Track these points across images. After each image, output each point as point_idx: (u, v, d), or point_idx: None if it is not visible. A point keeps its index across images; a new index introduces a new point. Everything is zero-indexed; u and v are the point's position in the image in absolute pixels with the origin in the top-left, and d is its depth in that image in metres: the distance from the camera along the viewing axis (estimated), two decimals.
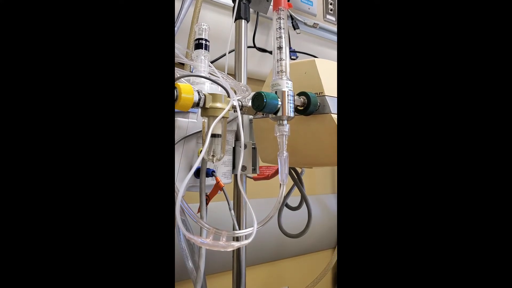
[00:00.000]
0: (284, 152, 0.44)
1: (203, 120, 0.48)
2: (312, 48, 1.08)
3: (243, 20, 0.68)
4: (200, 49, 0.56)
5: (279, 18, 0.47)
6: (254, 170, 0.64)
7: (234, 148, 0.62)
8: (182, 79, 0.50)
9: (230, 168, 0.61)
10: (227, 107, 0.43)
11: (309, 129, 0.51)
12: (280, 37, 0.46)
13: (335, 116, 0.48)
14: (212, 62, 0.60)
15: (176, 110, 0.47)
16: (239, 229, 0.62)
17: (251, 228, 0.39)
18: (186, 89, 0.43)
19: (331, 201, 1.22)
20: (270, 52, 0.96)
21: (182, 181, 0.52)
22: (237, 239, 0.57)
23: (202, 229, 0.54)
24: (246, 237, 0.38)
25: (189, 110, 0.50)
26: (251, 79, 0.84)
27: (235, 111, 0.44)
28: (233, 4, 0.68)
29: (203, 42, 0.56)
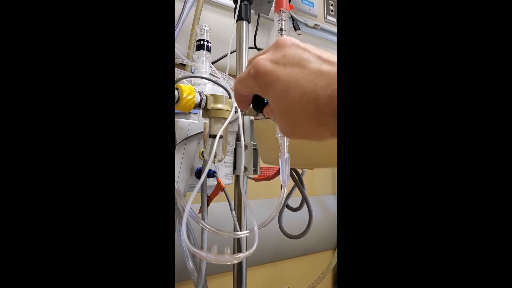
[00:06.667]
0: (285, 153, 0.44)
1: (205, 121, 0.49)
2: None
3: (244, 21, 0.68)
4: (202, 50, 0.56)
5: (281, 19, 0.47)
6: (255, 171, 0.64)
7: (235, 149, 0.62)
8: (183, 80, 0.50)
9: (231, 169, 0.61)
10: (232, 112, 0.43)
11: None
12: None
13: None
14: (213, 63, 0.60)
15: (177, 111, 0.47)
16: (240, 229, 0.62)
17: (252, 231, 0.39)
18: (188, 90, 0.43)
19: (332, 202, 1.22)
20: None
21: (183, 181, 0.53)
22: (239, 247, 0.57)
23: (203, 230, 0.54)
24: (248, 243, 0.38)
25: (190, 111, 0.50)
26: None
27: (236, 112, 0.44)
28: (234, 5, 0.68)
29: (205, 43, 0.56)
